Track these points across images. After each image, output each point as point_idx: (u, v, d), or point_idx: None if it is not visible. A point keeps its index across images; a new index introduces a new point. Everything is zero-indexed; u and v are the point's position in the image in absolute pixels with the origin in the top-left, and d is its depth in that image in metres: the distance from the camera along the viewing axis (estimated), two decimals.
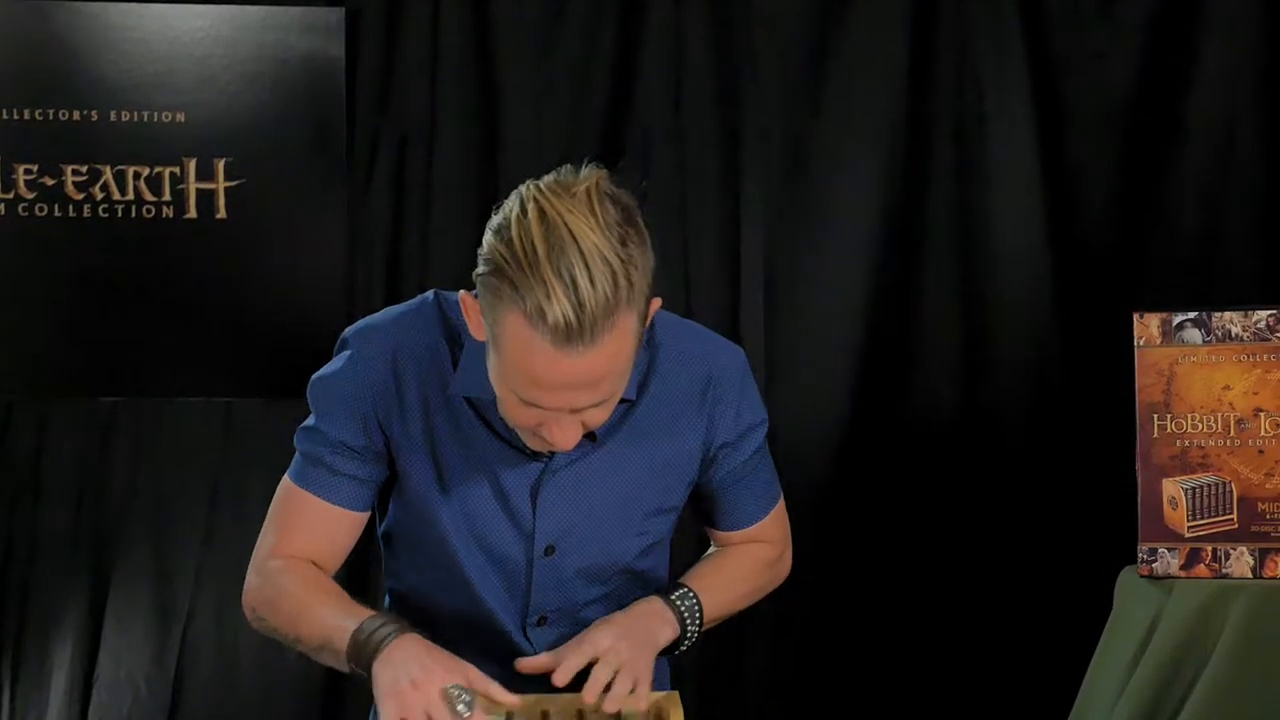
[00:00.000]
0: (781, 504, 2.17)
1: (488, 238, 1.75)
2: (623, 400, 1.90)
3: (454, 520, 1.97)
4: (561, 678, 1.86)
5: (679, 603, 2.01)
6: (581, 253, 1.67)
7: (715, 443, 2.03)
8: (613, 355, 1.73)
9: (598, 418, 1.82)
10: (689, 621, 2.01)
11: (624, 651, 1.88)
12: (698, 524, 2.17)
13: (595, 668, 1.85)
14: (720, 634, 3.39)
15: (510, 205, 1.75)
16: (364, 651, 1.84)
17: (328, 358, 2.02)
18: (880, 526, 3.42)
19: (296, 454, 2.01)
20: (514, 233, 1.70)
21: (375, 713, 2.19)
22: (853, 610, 3.42)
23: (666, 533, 2.09)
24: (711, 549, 2.18)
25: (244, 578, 3.43)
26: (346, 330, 2.00)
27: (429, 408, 1.94)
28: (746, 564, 2.15)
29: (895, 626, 3.41)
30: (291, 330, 3.41)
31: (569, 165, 1.78)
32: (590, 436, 1.93)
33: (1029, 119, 3.41)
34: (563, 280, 1.67)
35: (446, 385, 1.93)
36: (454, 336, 1.94)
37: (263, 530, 2.02)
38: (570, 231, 1.68)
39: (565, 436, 1.80)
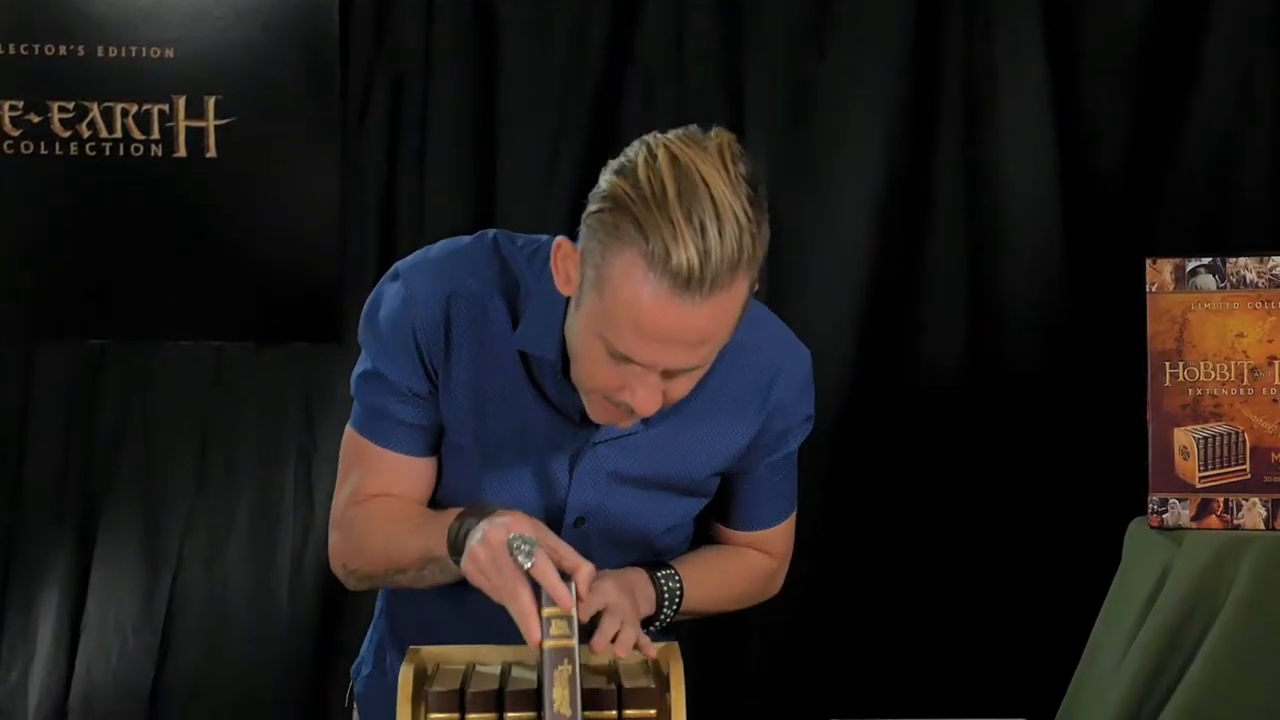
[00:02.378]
0: (793, 518, 2.12)
1: (606, 177, 1.70)
2: None
3: (486, 479, 1.93)
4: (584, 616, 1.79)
5: (663, 581, 1.96)
6: (713, 201, 1.64)
7: (761, 439, 1.99)
8: (721, 315, 1.69)
9: (681, 389, 1.77)
10: (666, 603, 1.96)
11: (626, 607, 1.83)
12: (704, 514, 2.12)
13: (603, 619, 1.79)
14: None
15: (635, 149, 1.70)
16: (457, 543, 1.78)
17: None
18: (887, 478, 3.40)
19: (357, 403, 1.95)
20: (642, 173, 1.66)
21: (363, 662, 2.16)
22: (857, 566, 3.40)
23: (695, 513, 2.06)
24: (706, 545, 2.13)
25: (235, 525, 3.46)
26: (400, 264, 1.93)
27: (477, 358, 1.89)
28: (743, 568, 2.10)
29: (901, 582, 3.39)
30: (284, 272, 3.38)
31: (695, 125, 1.73)
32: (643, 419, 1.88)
33: (1041, 63, 3.36)
34: (692, 225, 1.63)
35: (497, 337, 1.87)
36: (511, 286, 1.88)
37: (337, 485, 1.97)
38: (703, 179, 1.64)
39: (648, 399, 1.74)
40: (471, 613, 1.90)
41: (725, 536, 2.11)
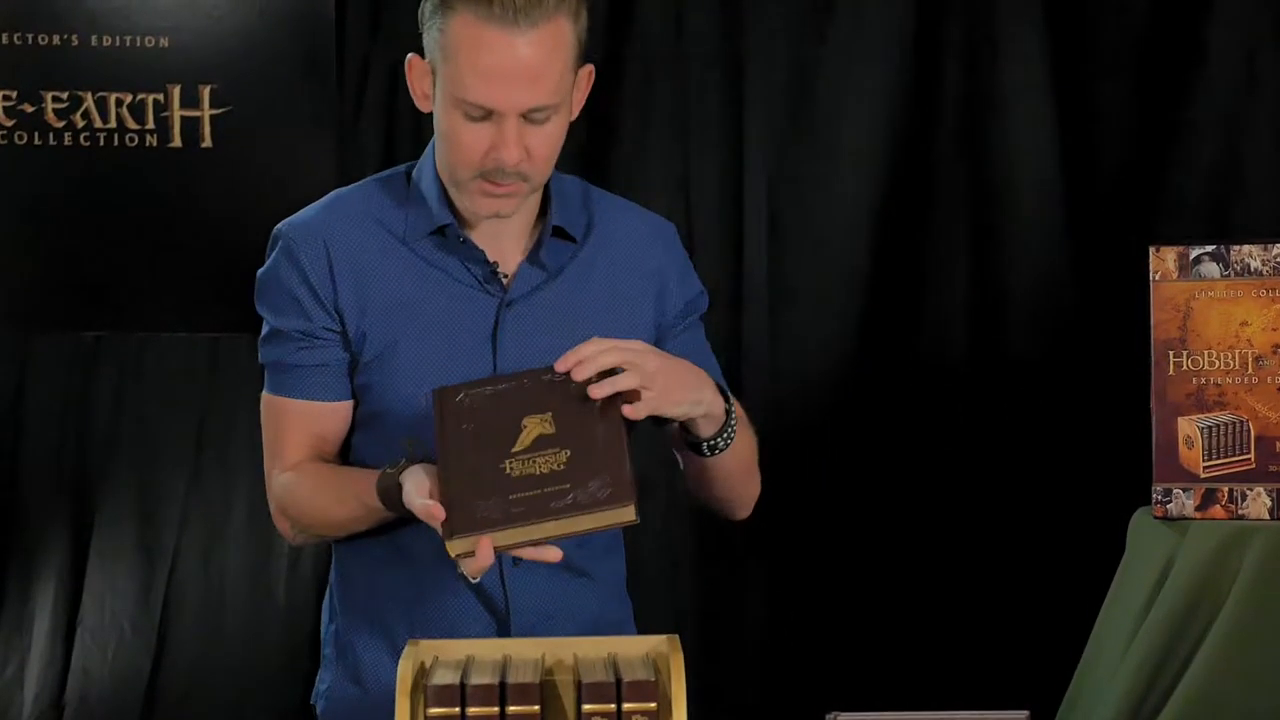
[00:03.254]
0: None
1: None
2: (568, 238, 2.02)
3: (412, 373, 1.97)
4: (578, 368, 1.82)
5: (724, 389, 1.97)
6: None
7: (669, 311, 2.06)
8: (551, 51, 1.87)
9: (540, 144, 1.90)
10: (731, 408, 1.96)
11: (660, 379, 1.84)
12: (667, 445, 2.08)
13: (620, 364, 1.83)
14: (720, 574, 3.39)
15: None
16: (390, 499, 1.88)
17: None
18: (886, 462, 3.39)
19: (266, 372, 2.04)
20: None
21: (320, 680, 2.14)
22: (860, 555, 3.39)
23: None
24: None
25: (231, 518, 3.46)
26: (278, 225, 2.05)
27: (382, 280, 1.98)
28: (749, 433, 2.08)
29: (904, 572, 3.38)
30: None
31: None
32: (540, 265, 1.99)
33: (1044, 47, 3.36)
34: None
35: (388, 253, 1.99)
36: (385, 204, 2.02)
37: (264, 455, 2.06)
38: None
39: (510, 148, 1.88)
40: (418, 576, 1.97)
41: None
